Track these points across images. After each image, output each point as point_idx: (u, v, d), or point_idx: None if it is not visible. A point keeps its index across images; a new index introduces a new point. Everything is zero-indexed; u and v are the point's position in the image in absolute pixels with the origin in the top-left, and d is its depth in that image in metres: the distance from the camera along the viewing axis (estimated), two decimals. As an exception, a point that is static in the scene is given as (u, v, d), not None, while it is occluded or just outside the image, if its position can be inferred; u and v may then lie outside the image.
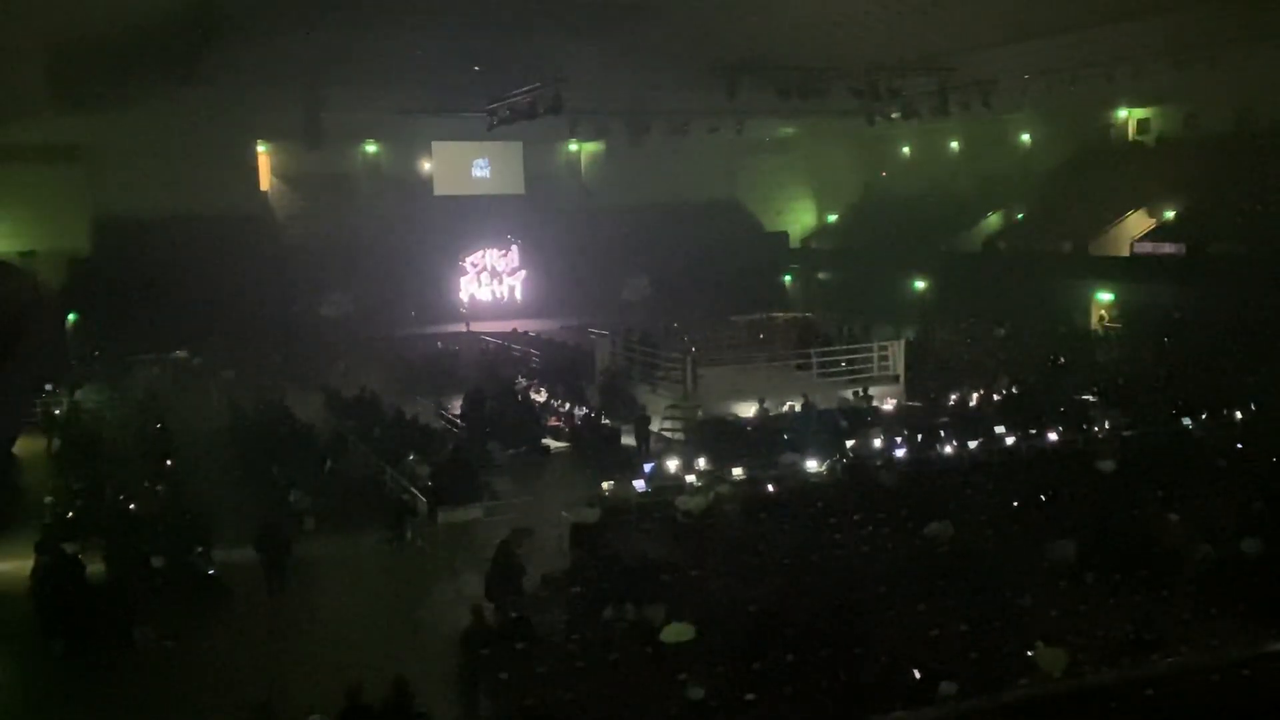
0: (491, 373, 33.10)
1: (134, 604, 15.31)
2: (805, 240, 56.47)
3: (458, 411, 28.62)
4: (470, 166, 51.38)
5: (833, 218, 57.17)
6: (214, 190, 41.61)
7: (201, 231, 40.08)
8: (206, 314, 36.78)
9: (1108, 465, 19.78)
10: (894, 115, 37.73)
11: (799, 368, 29.64)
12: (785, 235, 55.61)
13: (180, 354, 37.14)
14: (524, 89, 32.79)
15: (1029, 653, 11.88)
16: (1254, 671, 7.44)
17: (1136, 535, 15.79)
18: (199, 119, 38.86)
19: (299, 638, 15.07)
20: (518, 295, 50.19)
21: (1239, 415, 23.30)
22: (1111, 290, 37.29)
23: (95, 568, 16.36)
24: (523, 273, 50.42)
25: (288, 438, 25.13)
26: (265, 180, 47.79)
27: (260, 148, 47.17)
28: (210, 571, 16.90)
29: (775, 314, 41.90)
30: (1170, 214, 38.60)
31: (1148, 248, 37.20)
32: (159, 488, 20.93)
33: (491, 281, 50.24)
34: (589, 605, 14.31)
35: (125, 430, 27.62)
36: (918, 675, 11.33)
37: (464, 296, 49.15)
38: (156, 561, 16.80)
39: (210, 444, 26.24)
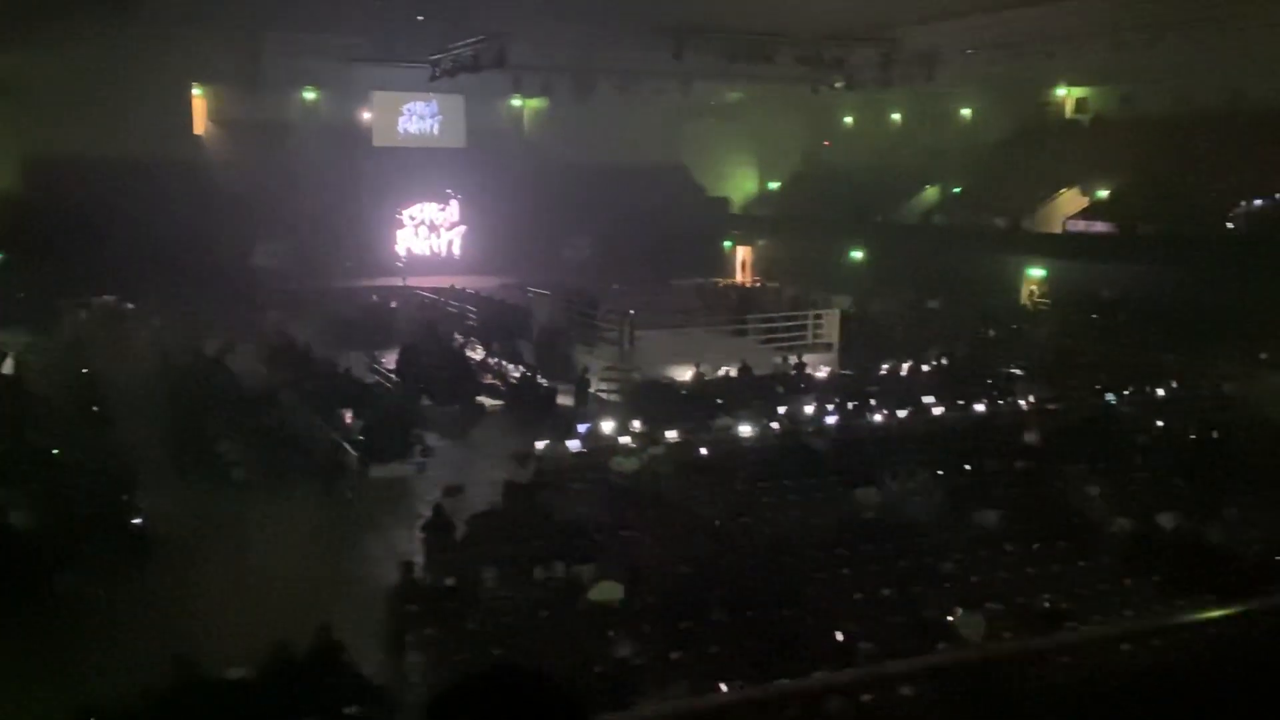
0: (427, 328, 32.85)
1: (56, 552, 15.08)
2: (747, 207, 56.58)
3: (392, 366, 28.42)
4: (410, 118, 50.64)
5: (774, 185, 57.32)
6: (147, 132, 40.58)
7: (133, 174, 39.11)
8: (137, 259, 35.95)
9: (1031, 438, 20.23)
10: (838, 85, 37.87)
11: (736, 333, 29.86)
12: (727, 201, 55.66)
13: (108, 299, 36.37)
14: (467, 41, 32.40)
15: (949, 618, 12.18)
16: (1165, 641, 7.69)
17: (1057, 507, 16.21)
18: (133, 58, 37.84)
19: (225, 589, 14.93)
20: (455, 251, 49.77)
21: (1160, 393, 23.91)
22: (1043, 267, 37.89)
23: (17, 514, 16.05)
24: (462, 228, 49.97)
25: (217, 388, 24.77)
26: (200, 124, 46.76)
27: (195, 91, 46.10)
28: (136, 520, 16.66)
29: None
30: (1103, 193, 39.27)
31: (1080, 226, 37.84)
32: (84, 434, 20.55)
33: (430, 236, 49.76)
34: (520, 563, 14.38)
35: (50, 375, 27.02)
36: (840, 637, 11.57)
37: (401, 250, 48.66)
38: (80, 509, 16.53)
39: (138, 392, 25.78)
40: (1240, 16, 28.86)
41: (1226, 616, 7.64)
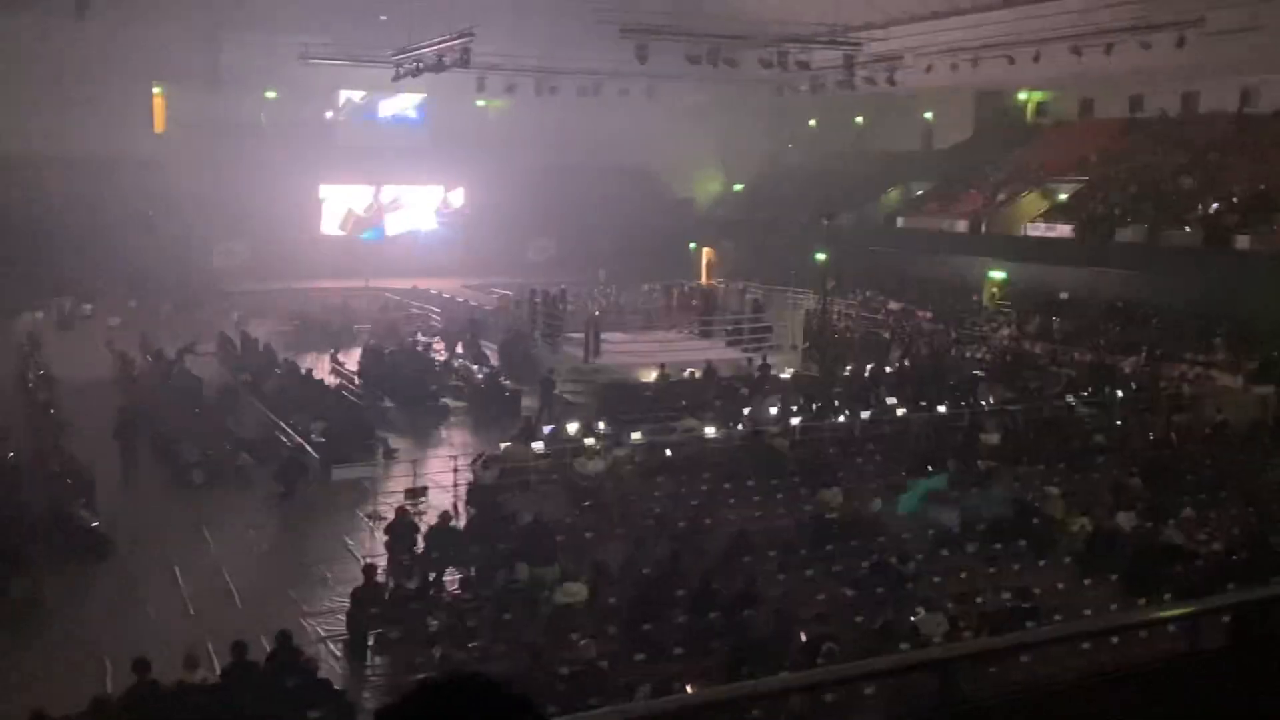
0: (390, 329, 32.69)
1: (13, 555, 14.85)
2: (711, 208, 56.64)
3: (354, 367, 28.22)
4: (375, 117, 50.34)
5: (739, 187, 57.40)
6: (107, 131, 40.13)
7: (93, 173, 38.70)
8: (95, 259, 35.53)
9: (992, 438, 20.38)
10: (802, 88, 38.00)
11: (700, 334, 29.92)
12: (692, 202, 55.71)
13: (65, 299, 35.88)
14: (432, 41, 32.24)
15: (911, 618, 12.23)
16: (1123, 639, 7.77)
17: (1017, 507, 16.33)
18: (93, 56, 37.38)
19: (185, 592, 14.78)
20: (420, 251, 49.50)
21: (1119, 394, 24.16)
22: (1003, 269, 38.17)
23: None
24: (425, 227, 49.74)
25: (177, 389, 24.52)
26: (160, 123, 46.24)
27: (156, 90, 45.58)
28: (94, 524, 16.44)
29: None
30: (1063, 196, 39.62)
31: (1040, 229, 38.13)
32: (41, 437, 20.27)
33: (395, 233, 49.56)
34: (484, 564, 14.31)
35: (6, 377, 26.66)
36: (804, 638, 11.59)
37: (362, 248, 48.34)
38: (37, 512, 16.30)
39: (96, 394, 25.45)
40: (1199, 23, 29.31)
41: (1186, 615, 7.71)
